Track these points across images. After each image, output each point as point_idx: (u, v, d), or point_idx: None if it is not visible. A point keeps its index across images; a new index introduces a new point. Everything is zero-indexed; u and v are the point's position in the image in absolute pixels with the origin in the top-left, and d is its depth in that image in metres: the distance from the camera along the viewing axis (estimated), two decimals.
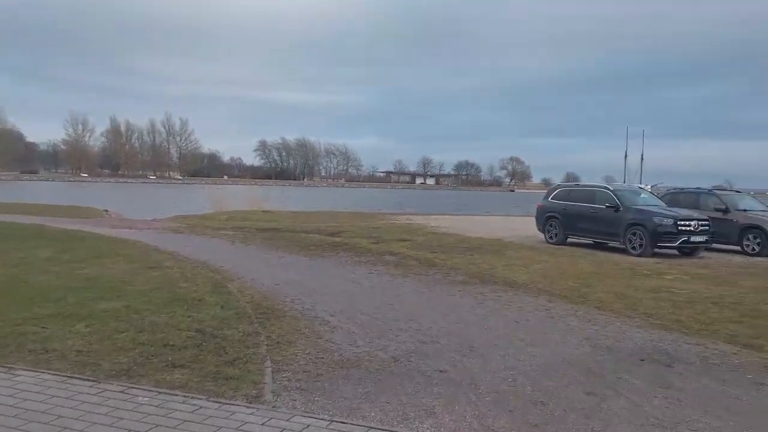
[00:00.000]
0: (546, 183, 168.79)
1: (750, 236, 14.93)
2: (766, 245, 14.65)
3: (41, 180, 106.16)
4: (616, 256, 13.97)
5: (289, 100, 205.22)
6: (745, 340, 6.32)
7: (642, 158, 52.82)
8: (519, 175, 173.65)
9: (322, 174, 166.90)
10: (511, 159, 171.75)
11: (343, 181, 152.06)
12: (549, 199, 17.17)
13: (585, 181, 18.56)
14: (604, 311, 7.71)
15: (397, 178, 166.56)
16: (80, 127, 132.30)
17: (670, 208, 14.77)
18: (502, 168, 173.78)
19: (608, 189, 15.54)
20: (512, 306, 7.90)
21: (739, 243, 15.15)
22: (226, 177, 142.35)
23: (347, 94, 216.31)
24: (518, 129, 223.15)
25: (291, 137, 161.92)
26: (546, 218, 16.85)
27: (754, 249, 14.86)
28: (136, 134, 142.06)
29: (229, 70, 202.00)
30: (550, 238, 16.66)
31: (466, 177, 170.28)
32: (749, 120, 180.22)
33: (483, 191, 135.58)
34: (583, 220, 15.76)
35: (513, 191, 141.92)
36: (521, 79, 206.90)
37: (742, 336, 6.51)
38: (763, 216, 15.25)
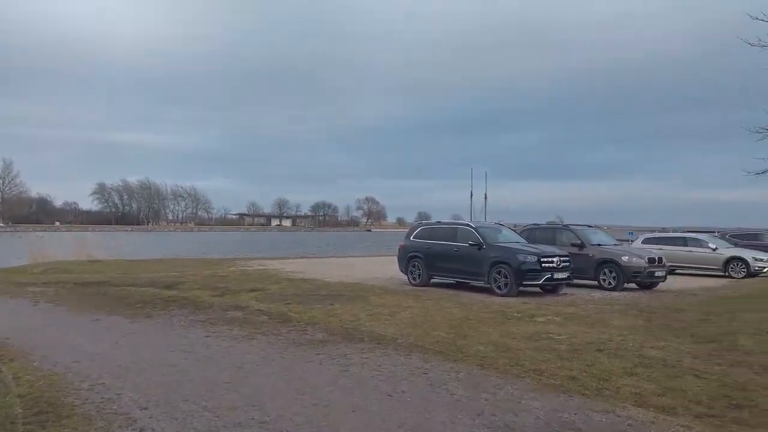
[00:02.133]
0: (400, 222, 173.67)
1: (606, 270, 15.01)
2: (621, 279, 14.78)
3: None
4: (482, 297, 13.23)
5: (127, 140, 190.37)
6: (654, 401, 5.40)
7: (486, 197, 55.46)
8: (375, 214, 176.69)
9: (170, 218, 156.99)
10: (367, 199, 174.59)
11: (192, 224, 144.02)
12: (411, 238, 16.25)
13: (435, 218, 17.95)
14: (489, 370, 6.53)
15: (252, 220, 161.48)
16: None
17: (532, 245, 14.43)
18: (359, 208, 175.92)
19: (470, 226, 14.91)
20: (383, 371, 6.47)
21: (595, 278, 15.17)
22: (58, 223, 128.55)
23: (193, 134, 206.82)
24: (372, 170, 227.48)
25: (133, 179, 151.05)
26: (408, 258, 15.87)
27: (610, 283, 14.94)
28: None
29: (57, 109, 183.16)
30: (413, 279, 15.67)
31: (323, 218, 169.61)
32: (574, 162, 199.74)
33: (341, 231, 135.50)
34: (447, 260, 14.98)
35: (370, 231, 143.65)
36: (371, 122, 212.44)
37: (647, 394, 5.60)
38: (616, 250, 15.47)
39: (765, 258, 19.73)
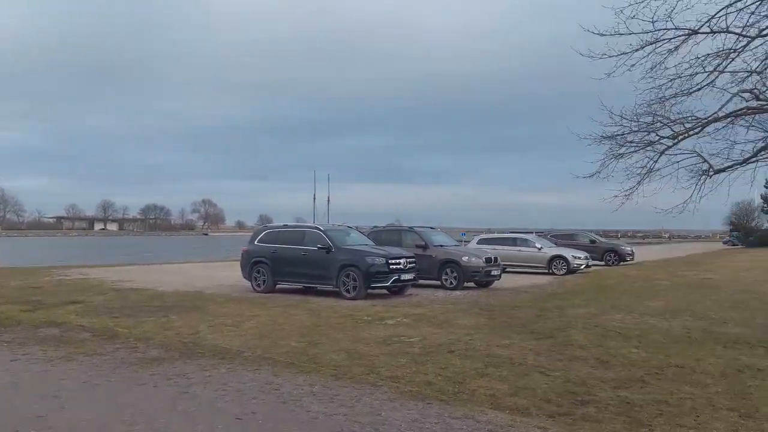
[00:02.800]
0: (240, 225, 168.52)
1: (448, 270, 15.52)
2: (461, 279, 15.37)
3: None
4: (330, 301, 12.94)
5: None
6: (508, 402, 5.44)
7: (329, 200, 55.76)
8: (212, 218, 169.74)
9: None
10: (204, 201, 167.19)
11: None
12: (255, 242, 15.47)
13: (278, 222, 17.34)
14: (344, 380, 6.20)
15: (72, 224, 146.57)
16: None
17: (380, 247, 14.45)
18: (194, 211, 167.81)
19: (319, 229, 14.54)
20: (229, 390, 5.85)
21: (438, 277, 15.63)
22: None
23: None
24: (208, 172, 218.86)
25: None
26: (252, 264, 15.09)
27: (451, 282, 15.48)
28: None
29: None
30: (258, 285, 14.94)
31: (154, 221, 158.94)
32: (411, 167, 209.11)
33: (175, 236, 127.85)
34: (294, 264, 14.47)
35: (207, 234, 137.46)
36: (208, 122, 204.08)
37: (501, 395, 5.63)
38: (457, 251, 16.09)
39: (582, 256, 21.88)
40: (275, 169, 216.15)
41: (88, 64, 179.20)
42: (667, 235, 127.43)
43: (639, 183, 10.14)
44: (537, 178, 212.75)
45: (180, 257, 39.30)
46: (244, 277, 15.56)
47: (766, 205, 73.84)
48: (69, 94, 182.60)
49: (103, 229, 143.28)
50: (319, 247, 14.05)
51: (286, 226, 15.90)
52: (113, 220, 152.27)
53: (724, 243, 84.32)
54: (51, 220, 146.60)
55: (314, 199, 52.79)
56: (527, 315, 10.85)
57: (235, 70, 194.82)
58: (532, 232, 29.68)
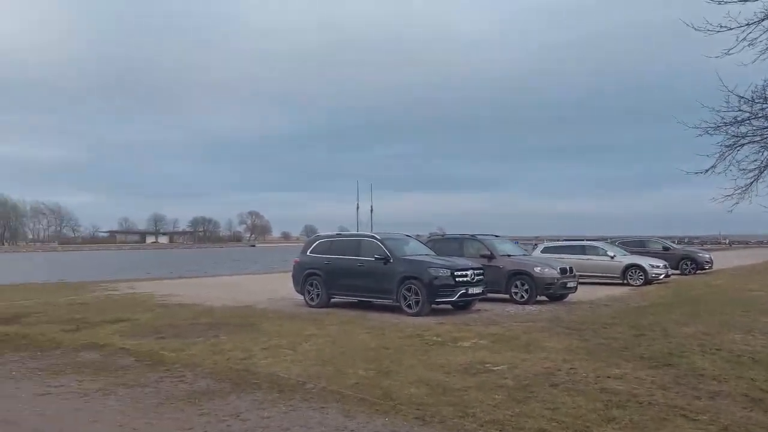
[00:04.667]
0: (286, 236, 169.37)
1: (518, 283, 14.06)
2: (534, 292, 13.90)
3: None
4: (391, 318, 11.74)
5: None
6: None
7: (371, 209, 54.51)
8: (259, 229, 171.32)
9: (30, 237, 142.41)
10: (250, 213, 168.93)
11: (55, 244, 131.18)
12: (308, 253, 14.42)
13: (322, 232, 16.22)
14: (434, 426, 4.98)
15: (124, 237, 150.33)
16: None
17: (444, 258, 13.15)
18: (242, 223, 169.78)
19: (375, 238, 13.35)
20: None
21: (506, 290, 14.20)
22: None
23: (48, 147, 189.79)
24: (252, 184, 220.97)
25: None
26: (305, 276, 14.04)
27: (522, 296, 14.01)
28: None
29: None
30: (311, 300, 13.88)
31: (203, 233, 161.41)
32: (449, 175, 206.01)
33: (223, 248, 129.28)
34: (349, 276, 13.34)
35: (254, 246, 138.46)
36: (243, 134, 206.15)
37: None
38: (528, 261, 14.62)
39: (660, 265, 20.02)
40: (318, 180, 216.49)
41: (130, 82, 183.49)
42: (726, 241, 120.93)
43: (756, 179, 8.66)
44: (579, 184, 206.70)
45: (228, 270, 38.87)
46: (297, 291, 14.54)
47: None
48: (112, 110, 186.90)
49: (154, 242, 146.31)
50: (376, 258, 12.87)
51: (339, 234, 14.82)
52: (164, 233, 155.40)
53: None
54: (105, 234, 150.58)
55: (357, 208, 51.85)
56: (624, 335, 9.37)
57: (273, 81, 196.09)
58: (605, 240, 27.80)
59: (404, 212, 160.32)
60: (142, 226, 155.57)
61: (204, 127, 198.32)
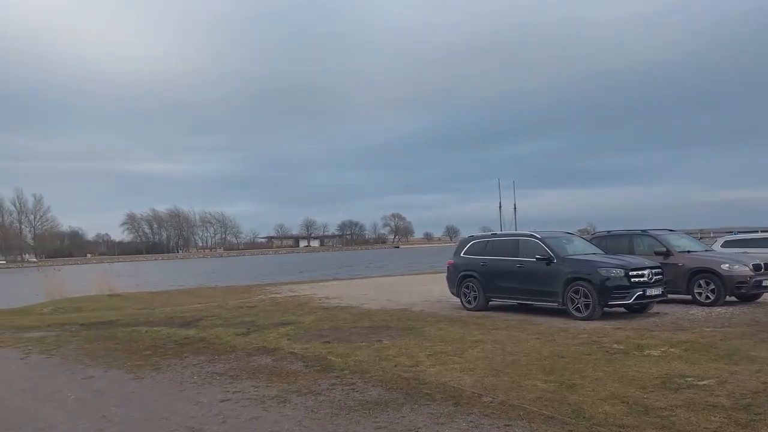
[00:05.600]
0: (428, 237, 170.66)
1: (702, 282, 12.43)
2: (722, 292, 12.21)
3: None
4: (559, 322, 10.90)
5: (154, 170, 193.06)
6: None
7: (515, 208, 52.40)
8: (402, 231, 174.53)
9: (199, 244, 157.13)
10: (393, 215, 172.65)
11: (221, 250, 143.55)
12: (462, 254, 13.97)
13: (465, 232, 15.53)
14: None
15: (280, 242, 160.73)
16: None
17: (616, 257, 12.02)
18: (386, 225, 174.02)
19: (535, 237, 12.53)
20: None
21: (688, 291, 12.64)
22: (89, 255, 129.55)
23: (213, 162, 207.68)
24: (394, 187, 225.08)
25: (162, 208, 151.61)
26: (461, 278, 13.59)
27: (708, 297, 12.37)
28: None
29: (82, 142, 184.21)
30: (468, 302, 13.40)
31: (350, 236, 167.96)
32: (595, 169, 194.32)
33: (369, 249, 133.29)
34: (508, 278, 12.66)
35: (398, 247, 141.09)
36: (384, 138, 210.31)
37: None
38: (713, 258, 12.91)
39: None
40: (458, 180, 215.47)
41: (279, 94, 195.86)
42: None
43: None
44: (745, 171, 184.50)
45: (378, 271, 39.62)
46: (452, 293, 14.15)
47: None
48: (265, 123, 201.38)
49: (307, 246, 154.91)
50: (537, 258, 12.06)
51: (495, 235, 14.16)
52: (315, 237, 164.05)
53: None
54: (263, 239, 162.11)
55: (500, 207, 50.20)
56: None
57: (409, 85, 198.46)
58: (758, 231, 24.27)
59: (547, 210, 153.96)
60: (295, 231, 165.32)
61: (352, 133, 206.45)
